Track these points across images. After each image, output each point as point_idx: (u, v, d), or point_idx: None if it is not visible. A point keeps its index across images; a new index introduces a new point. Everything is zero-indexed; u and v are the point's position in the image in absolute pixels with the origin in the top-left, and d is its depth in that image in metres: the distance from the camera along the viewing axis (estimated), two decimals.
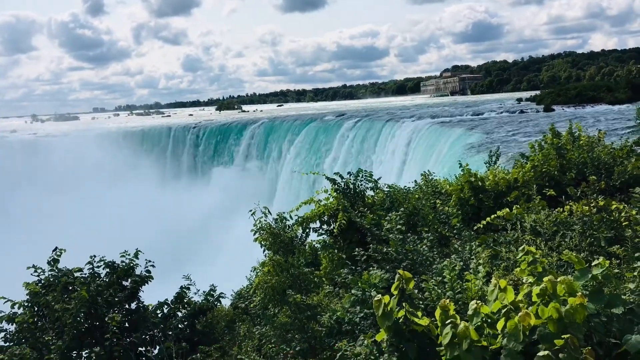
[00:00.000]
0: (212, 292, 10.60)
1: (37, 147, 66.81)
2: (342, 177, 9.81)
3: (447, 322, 3.73)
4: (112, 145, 70.18)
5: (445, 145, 35.97)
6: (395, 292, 4.38)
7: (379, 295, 4.24)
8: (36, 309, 9.25)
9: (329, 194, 9.69)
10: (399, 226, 7.90)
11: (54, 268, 9.58)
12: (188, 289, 10.34)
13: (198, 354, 8.60)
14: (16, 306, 9.29)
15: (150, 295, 10.07)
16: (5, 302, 9.24)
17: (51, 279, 9.44)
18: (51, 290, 9.25)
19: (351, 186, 9.75)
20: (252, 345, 7.96)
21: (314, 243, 10.17)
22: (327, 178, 9.90)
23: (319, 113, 70.71)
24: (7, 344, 9.02)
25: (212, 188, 59.10)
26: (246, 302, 10.00)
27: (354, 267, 7.78)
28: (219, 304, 10.44)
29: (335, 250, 8.68)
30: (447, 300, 3.93)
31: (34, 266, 9.62)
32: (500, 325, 3.63)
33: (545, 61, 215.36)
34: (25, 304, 9.27)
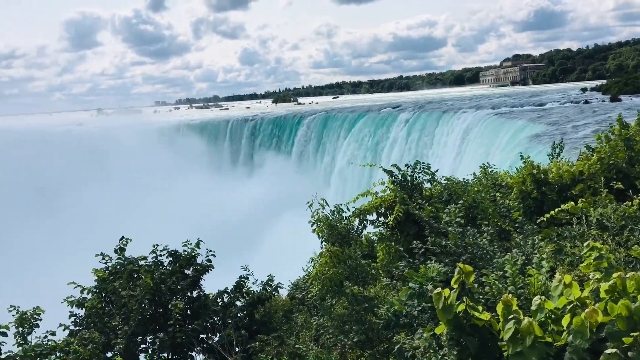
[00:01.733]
0: (269, 282, 10.78)
1: (102, 139, 69.48)
2: (399, 169, 9.74)
3: (509, 317, 3.67)
4: (172, 137, 72.15)
5: (505, 137, 35.05)
6: (455, 286, 4.33)
7: (439, 288, 4.21)
8: (104, 295, 9.67)
9: (386, 186, 9.65)
10: (458, 219, 7.79)
11: (121, 256, 9.98)
12: (247, 278, 10.56)
13: (257, 343, 8.78)
14: (85, 292, 9.75)
15: (204, 283, 10.32)
16: (75, 287, 9.71)
17: (118, 267, 9.84)
18: (118, 277, 9.65)
19: (408, 178, 9.67)
20: (310, 336, 8.04)
21: (370, 235, 10.17)
22: (384, 170, 9.85)
23: (374, 105, 70.25)
24: (77, 327, 9.47)
25: (268, 180, 59.82)
26: (303, 293, 10.11)
27: (411, 260, 7.74)
28: (276, 293, 10.60)
29: (392, 243, 8.63)
30: (510, 295, 3.86)
31: (101, 254, 10.06)
32: (565, 321, 3.53)
33: (612, 49, 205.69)
34: (94, 290, 9.71)
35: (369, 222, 9.74)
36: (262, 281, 10.82)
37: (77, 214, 51.73)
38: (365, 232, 10.10)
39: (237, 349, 8.45)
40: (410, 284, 6.64)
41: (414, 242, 7.84)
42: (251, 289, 10.58)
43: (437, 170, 10.26)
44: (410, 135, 47.52)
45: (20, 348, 8.36)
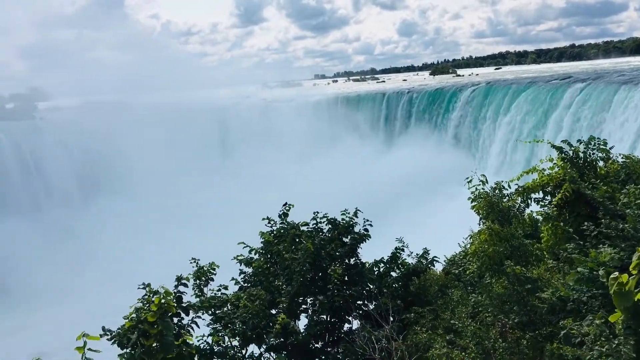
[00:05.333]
0: (425, 255, 10.78)
1: (266, 110, 73.61)
2: (570, 145, 9.12)
3: None
4: (329, 109, 74.18)
5: None
6: (635, 272, 4.01)
7: (616, 273, 3.93)
8: (269, 256, 10.38)
9: (554, 163, 9.10)
10: (638, 201, 7.14)
11: (284, 221, 10.63)
12: (402, 250, 10.65)
13: (412, 314, 8.89)
14: (252, 252, 10.55)
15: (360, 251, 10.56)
16: (244, 247, 10.54)
17: (282, 231, 10.49)
18: (282, 240, 10.29)
19: (581, 155, 9.03)
20: (466, 312, 7.94)
21: (533, 214, 9.69)
22: (553, 146, 9.30)
23: (541, 76, 65.72)
24: (246, 284, 10.31)
25: (423, 153, 59.13)
26: (459, 269, 9.97)
27: (581, 243, 7.28)
28: (432, 267, 10.58)
29: (560, 223, 8.14)
30: None
31: (267, 218, 10.79)
32: None
33: None
34: (260, 251, 10.47)
35: (533, 200, 9.31)
36: (417, 254, 10.84)
37: (247, 178, 55.77)
38: (528, 210, 9.66)
39: (392, 318, 8.62)
40: (579, 269, 6.29)
41: (585, 223, 7.35)
42: (406, 260, 10.66)
43: (612, 147, 9.48)
44: (582, 109, 43.75)
45: (197, 299, 9.35)
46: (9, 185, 49.77)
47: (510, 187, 9.51)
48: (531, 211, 9.66)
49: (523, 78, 66.53)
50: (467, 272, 8.79)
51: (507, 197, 9.32)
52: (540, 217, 9.18)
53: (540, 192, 8.98)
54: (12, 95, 72.34)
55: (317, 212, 10.63)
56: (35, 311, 35.44)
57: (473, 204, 9.04)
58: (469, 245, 9.83)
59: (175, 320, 7.71)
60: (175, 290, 8.09)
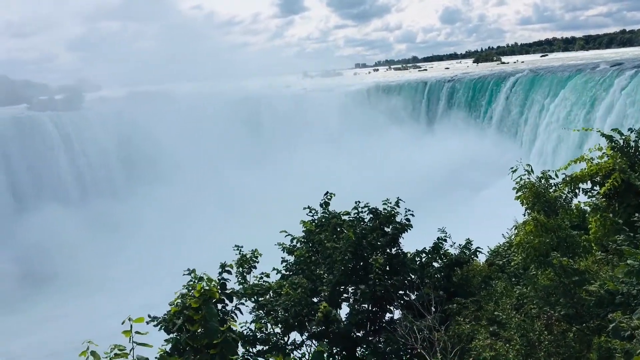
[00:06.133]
0: (468, 246, 10.64)
1: (305, 100, 73.62)
2: (621, 134, 8.81)
3: None
4: (370, 98, 73.71)
5: None
6: None
7: None
8: (310, 245, 10.43)
9: (604, 152, 8.82)
10: None
11: (326, 210, 10.66)
12: (444, 240, 10.55)
13: (454, 305, 8.80)
14: (294, 240, 10.62)
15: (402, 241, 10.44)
16: (286, 235, 10.62)
17: (323, 220, 10.52)
18: (323, 229, 10.32)
19: (632, 144, 8.72)
20: (510, 304, 7.82)
21: (581, 205, 9.43)
22: (603, 135, 9.01)
23: (589, 63, 63.65)
24: (288, 272, 10.40)
25: (465, 143, 58.20)
26: (503, 260, 9.81)
27: (631, 234, 7.06)
28: (475, 258, 10.44)
29: (611, 215, 7.90)
30: None
31: (308, 207, 10.82)
32: None
33: None
34: (302, 240, 10.53)
35: (581, 190, 9.05)
36: (459, 244, 10.71)
37: (286, 167, 56.06)
38: (575, 201, 9.41)
39: (434, 309, 8.56)
40: (629, 261, 6.11)
41: (635, 214, 7.12)
42: (448, 251, 10.56)
43: None
44: (632, 97, 42.23)
45: (240, 286, 9.49)
46: (58, 174, 51.39)
47: (557, 177, 9.27)
48: (579, 202, 9.41)
49: (571, 65, 64.53)
50: (512, 263, 8.65)
51: (553, 187, 9.09)
52: (588, 208, 8.93)
53: (589, 182, 8.72)
54: (60, 87, 74.60)
55: (359, 202, 10.61)
56: (77, 299, 36.02)
57: (518, 194, 8.85)
58: (513, 237, 9.67)
59: (220, 306, 7.88)
60: (219, 277, 8.23)
